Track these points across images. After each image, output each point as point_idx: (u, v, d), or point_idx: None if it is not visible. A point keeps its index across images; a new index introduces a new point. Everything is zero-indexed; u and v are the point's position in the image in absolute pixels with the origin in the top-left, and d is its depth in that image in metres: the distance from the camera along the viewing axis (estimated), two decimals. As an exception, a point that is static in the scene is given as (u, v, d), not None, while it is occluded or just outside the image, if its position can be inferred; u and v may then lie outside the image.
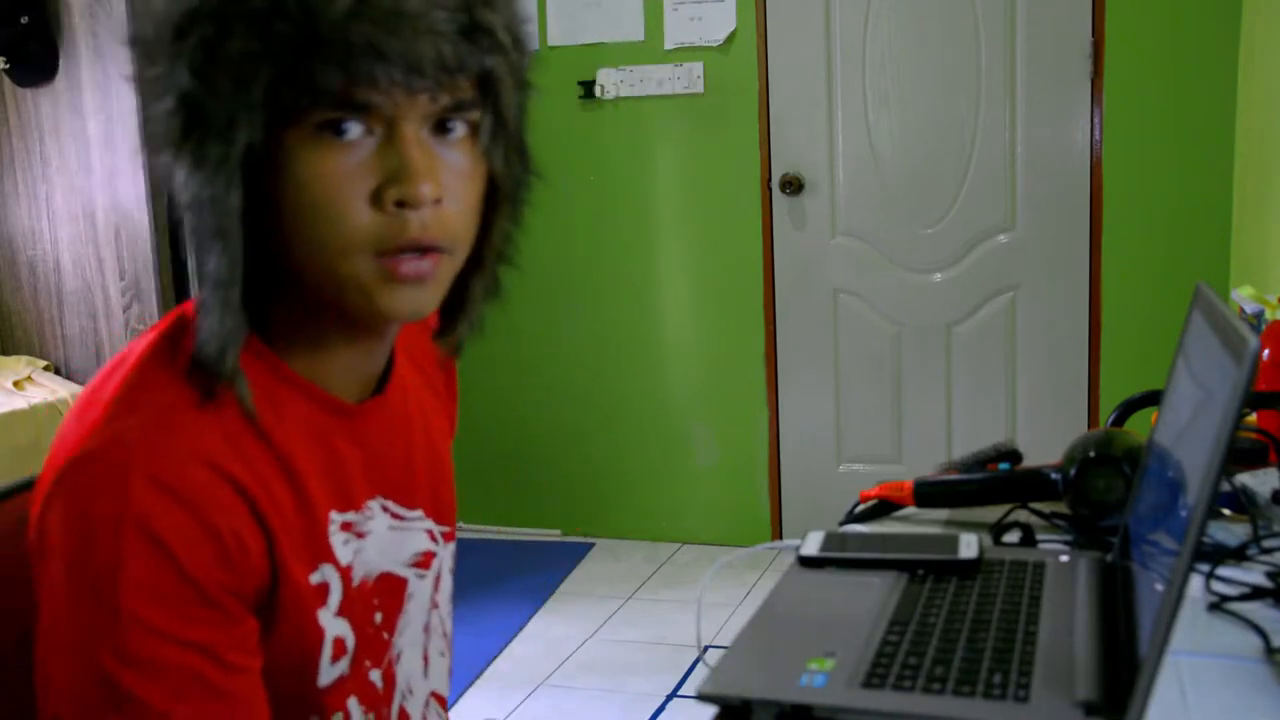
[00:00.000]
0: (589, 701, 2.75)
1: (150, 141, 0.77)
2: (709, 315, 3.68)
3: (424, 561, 0.96)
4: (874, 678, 0.84)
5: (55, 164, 2.79)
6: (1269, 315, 1.74)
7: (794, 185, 3.51)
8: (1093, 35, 3.25)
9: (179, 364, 0.79)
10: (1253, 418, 1.41)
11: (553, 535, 3.92)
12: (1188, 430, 0.84)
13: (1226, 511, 1.24)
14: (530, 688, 2.81)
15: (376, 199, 0.76)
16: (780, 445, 3.69)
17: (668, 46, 3.55)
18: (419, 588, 0.96)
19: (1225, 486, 1.24)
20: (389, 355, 0.92)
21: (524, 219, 0.90)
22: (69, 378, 2.82)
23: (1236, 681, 0.88)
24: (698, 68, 3.54)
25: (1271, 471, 1.30)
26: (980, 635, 0.90)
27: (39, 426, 2.52)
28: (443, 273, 0.81)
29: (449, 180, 0.79)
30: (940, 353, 3.52)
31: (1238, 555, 1.12)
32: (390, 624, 0.93)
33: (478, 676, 2.86)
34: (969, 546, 1.07)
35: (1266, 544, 1.14)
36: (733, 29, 3.50)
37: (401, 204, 0.76)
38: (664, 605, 3.31)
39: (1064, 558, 1.08)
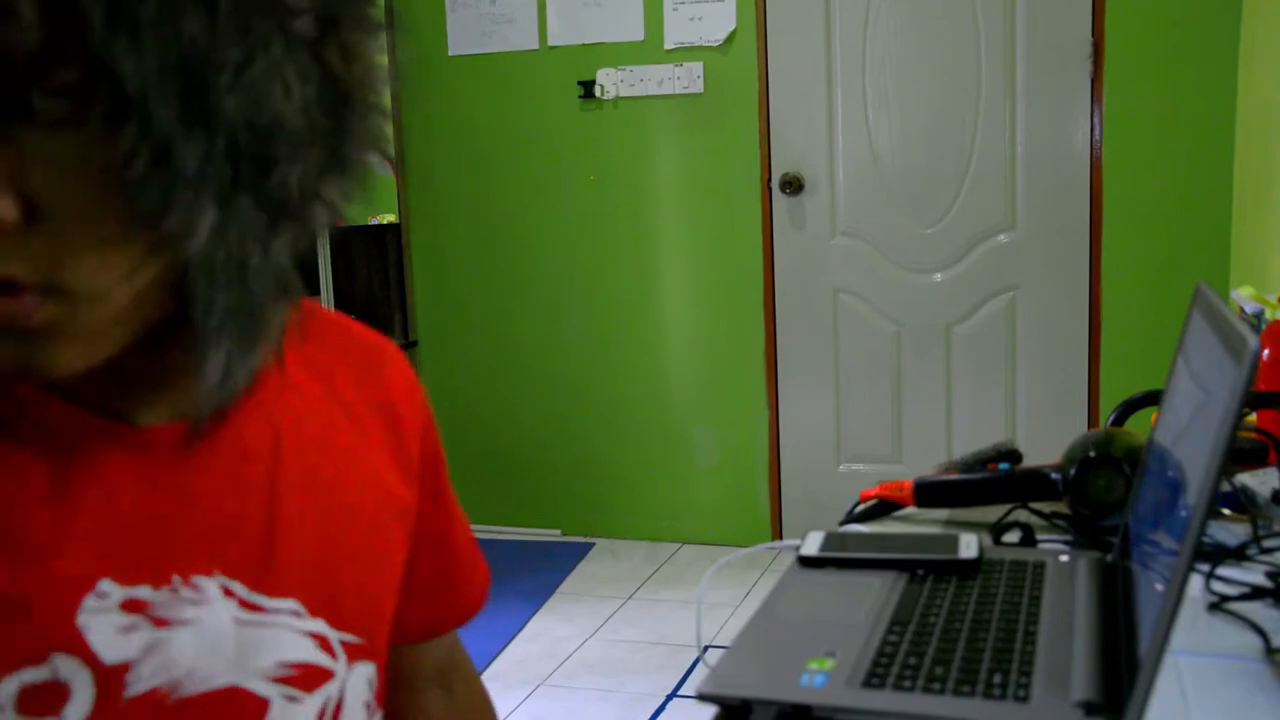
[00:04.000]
0: (589, 702, 2.75)
1: None
2: (709, 315, 3.68)
3: (302, 679, 0.68)
4: (874, 678, 0.84)
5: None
6: (1269, 315, 1.74)
7: (794, 185, 3.51)
8: (1093, 35, 3.25)
9: None
10: (1253, 418, 1.41)
11: (553, 535, 3.92)
12: (1188, 430, 0.84)
13: (1226, 511, 1.24)
14: (530, 688, 2.81)
15: None
16: (780, 445, 3.69)
17: (668, 46, 3.55)
18: (287, 715, 0.67)
19: (1225, 486, 1.24)
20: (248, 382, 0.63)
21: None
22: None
23: (1236, 681, 0.88)
24: (698, 67, 3.54)
25: (1271, 471, 1.30)
26: (980, 635, 0.90)
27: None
28: (73, 323, 0.55)
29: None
30: (940, 353, 3.52)
31: (1238, 555, 1.12)
32: None
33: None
34: (969, 546, 1.07)
35: (1266, 544, 1.14)
36: (733, 29, 3.50)
37: None
38: (664, 605, 3.31)
39: (1064, 558, 1.08)
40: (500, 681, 2.85)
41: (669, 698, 2.75)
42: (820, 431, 3.65)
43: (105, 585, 0.60)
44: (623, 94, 3.61)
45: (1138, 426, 1.31)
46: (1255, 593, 1.03)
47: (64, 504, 0.60)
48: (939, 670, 0.84)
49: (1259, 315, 1.75)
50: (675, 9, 3.53)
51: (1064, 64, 3.29)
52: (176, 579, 0.63)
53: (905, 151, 3.45)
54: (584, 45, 3.63)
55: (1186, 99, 3.20)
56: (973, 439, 3.44)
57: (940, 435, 3.56)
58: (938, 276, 3.49)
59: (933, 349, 3.53)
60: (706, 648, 3.01)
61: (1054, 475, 1.25)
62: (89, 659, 0.59)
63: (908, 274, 3.51)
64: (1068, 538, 1.21)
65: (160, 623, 0.62)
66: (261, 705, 0.66)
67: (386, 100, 0.65)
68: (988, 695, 0.80)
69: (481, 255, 3.83)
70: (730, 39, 3.51)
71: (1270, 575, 1.06)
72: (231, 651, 0.65)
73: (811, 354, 3.62)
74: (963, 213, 3.43)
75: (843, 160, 3.50)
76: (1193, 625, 0.99)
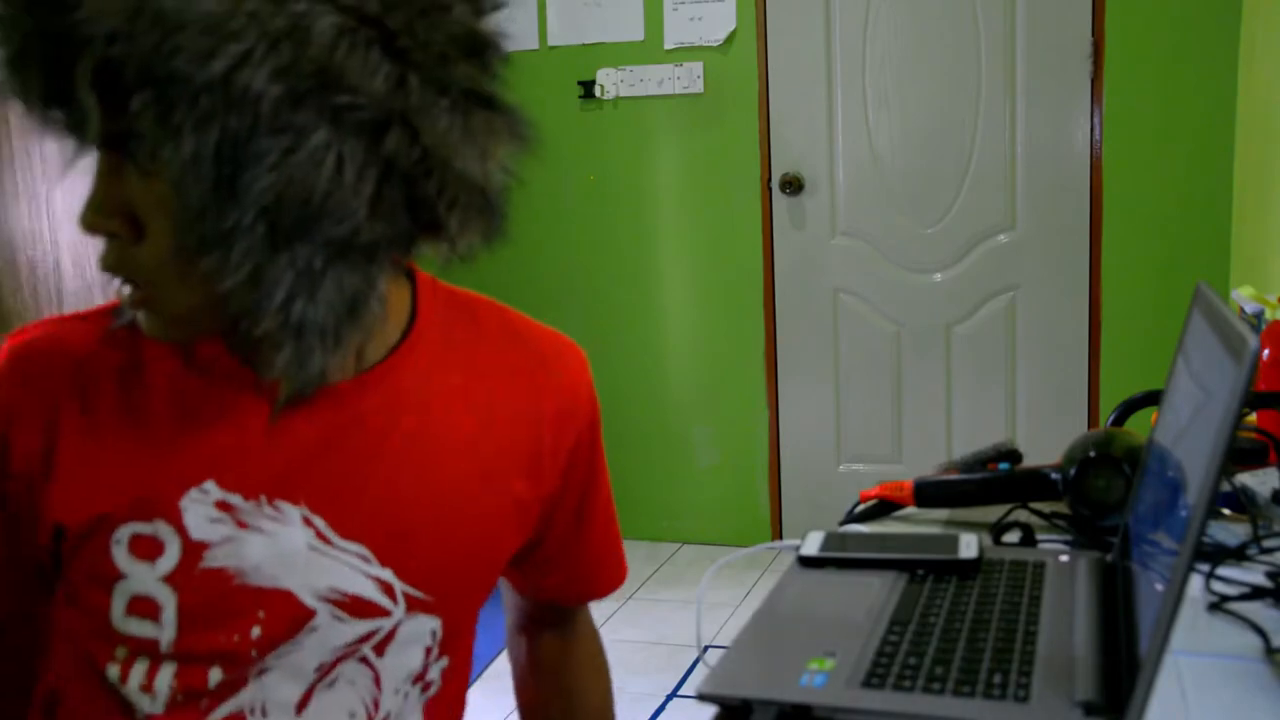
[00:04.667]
0: (589, 701, 2.74)
1: None
2: (709, 315, 3.68)
3: (355, 606, 0.85)
4: (874, 678, 0.84)
5: (55, 163, 2.79)
6: (1269, 315, 1.74)
7: (794, 185, 3.51)
8: (1093, 35, 3.25)
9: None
10: (1253, 418, 1.41)
11: (553, 535, 3.92)
12: (1188, 430, 0.84)
13: (1226, 511, 1.24)
14: (530, 688, 2.81)
15: None
16: (780, 445, 3.69)
17: (668, 46, 3.55)
18: (332, 629, 0.85)
19: (1225, 486, 1.24)
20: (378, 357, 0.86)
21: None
22: (69, 378, 2.82)
23: (1236, 681, 0.88)
24: (698, 67, 3.54)
25: (1271, 471, 1.30)
26: (980, 635, 0.90)
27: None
28: (164, 309, 0.78)
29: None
30: (940, 353, 3.52)
31: (1238, 555, 1.12)
32: (268, 643, 0.83)
33: (478, 677, 2.86)
34: (969, 546, 1.07)
35: (1266, 544, 1.14)
36: (733, 29, 3.50)
37: None
38: (664, 605, 3.31)
39: (1064, 558, 1.08)
40: (501, 681, 2.85)
41: (669, 698, 2.75)
42: (820, 431, 3.65)
43: (209, 485, 0.81)
44: (623, 94, 3.61)
45: (1138, 426, 1.30)
46: (1255, 593, 1.03)
47: (195, 421, 0.82)
48: (939, 670, 0.84)
49: (1259, 315, 1.75)
50: (675, 9, 3.53)
51: (1064, 64, 3.29)
52: (264, 497, 0.82)
53: (905, 151, 3.45)
54: (584, 45, 3.62)
55: (1186, 99, 3.19)
56: (973, 439, 3.44)
57: (940, 435, 3.56)
58: (938, 276, 3.49)
59: (933, 349, 3.53)
60: (706, 648, 3.01)
61: (1054, 475, 1.25)
62: (180, 530, 0.80)
63: (908, 274, 3.51)
64: (1068, 538, 1.21)
65: (241, 525, 0.81)
66: (309, 614, 0.83)
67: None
68: (988, 695, 0.80)
69: (481, 255, 3.82)
70: (730, 39, 3.51)
71: (1270, 575, 1.06)
72: (300, 567, 0.82)
73: (811, 354, 3.62)
74: (963, 213, 3.43)
75: (843, 160, 3.50)
76: (1193, 625, 0.99)
